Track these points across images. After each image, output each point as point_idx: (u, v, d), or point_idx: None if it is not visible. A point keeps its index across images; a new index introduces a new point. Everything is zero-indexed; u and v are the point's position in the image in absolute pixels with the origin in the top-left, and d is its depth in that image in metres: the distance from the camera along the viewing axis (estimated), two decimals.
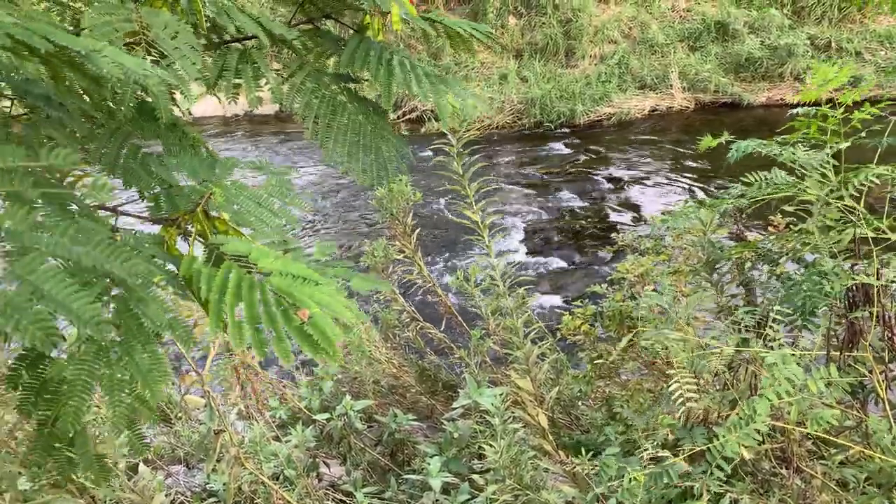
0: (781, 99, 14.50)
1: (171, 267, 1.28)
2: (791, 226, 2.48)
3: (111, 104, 1.49)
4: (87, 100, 1.45)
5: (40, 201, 1.13)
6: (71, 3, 1.82)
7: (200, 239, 1.34)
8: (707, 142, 2.51)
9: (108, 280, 1.13)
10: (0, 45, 0.99)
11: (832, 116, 2.21)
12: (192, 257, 1.26)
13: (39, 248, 1.00)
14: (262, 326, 1.14)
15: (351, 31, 2.01)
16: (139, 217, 1.41)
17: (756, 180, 2.31)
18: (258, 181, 1.63)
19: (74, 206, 1.25)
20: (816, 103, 2.28)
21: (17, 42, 1.04)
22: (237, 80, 1.66)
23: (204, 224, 1.34)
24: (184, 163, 1.51)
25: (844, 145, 2.19)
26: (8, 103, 1.55)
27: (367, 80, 1.94)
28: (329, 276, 1.33)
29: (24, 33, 1.04)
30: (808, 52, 14.80)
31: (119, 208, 1.40)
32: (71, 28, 1.55)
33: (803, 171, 2.22)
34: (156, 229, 1.38)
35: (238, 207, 1.43)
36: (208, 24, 1.68)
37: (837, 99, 2.22)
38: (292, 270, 1.15)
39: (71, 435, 1.28)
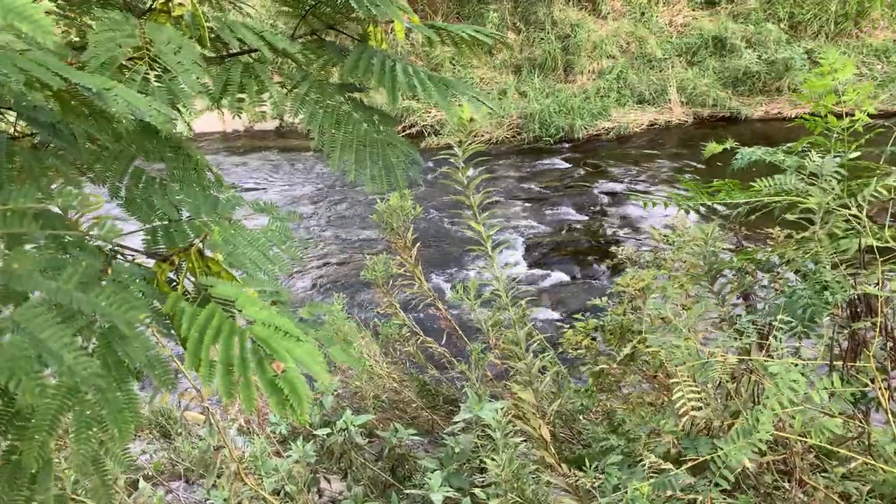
0: (779, 112, 14.58)
1: (157, 304, 1.26)
2: (791, 236, 2.48)
3: (115, 125, 1.50)
4: (93, 121, 1.46)
5: (44, 241, 1.14)
6: (78, 18, 1.84)
7: (191, 278, 1.34)
8: (712, 148, 2.52)
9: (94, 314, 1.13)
10: (13, 80, 1.00)
11: (836, 121, 2.22)
12: (178, 295, 1.25)
13: (42, 295, 1.01)
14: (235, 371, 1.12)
15: (354, 42, 2.03)
16: (134, 251, 1.41)
17: (764, 185, 2.29)
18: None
19: (69, 238, 1.25)
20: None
21: (31, 77, 1.05)
22: (241, 95, 1.67)
23: (196, 263, 1.34)
24: (187, 197, 1.51)
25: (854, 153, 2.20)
26: (12, 122, 1.56)
27: (372, 89, 1.95)
28: (311, 339, 1.33)
29: (37, 69, 1.06)
30: (805, 66, 14.89)
31: (114, 240, 1.40)
32: (78, 40, 1.56)
33: (813, 179, 2.22)
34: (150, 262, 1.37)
35: (234, 248, 1.43)
36: (212, 36, 1.69)
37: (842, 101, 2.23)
38: (276, 323, 1.14)
39: (34, 471, 1.25)
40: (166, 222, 1.46)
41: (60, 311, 1.03)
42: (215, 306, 1.18)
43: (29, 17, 0.91)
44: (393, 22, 1.93)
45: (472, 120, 2.00)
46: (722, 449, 1.78)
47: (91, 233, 1.26)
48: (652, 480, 1.85)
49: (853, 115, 2.24)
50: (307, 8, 1.91)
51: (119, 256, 1.31)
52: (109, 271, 1.21)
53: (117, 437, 1.14)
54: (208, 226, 1.44)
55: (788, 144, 2.38)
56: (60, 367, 0.96)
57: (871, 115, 2.26)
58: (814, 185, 2.20)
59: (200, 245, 1.34)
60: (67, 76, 1.07)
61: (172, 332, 1.25)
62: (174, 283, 1.32)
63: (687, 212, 2.55)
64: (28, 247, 1.11)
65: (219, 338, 1.12)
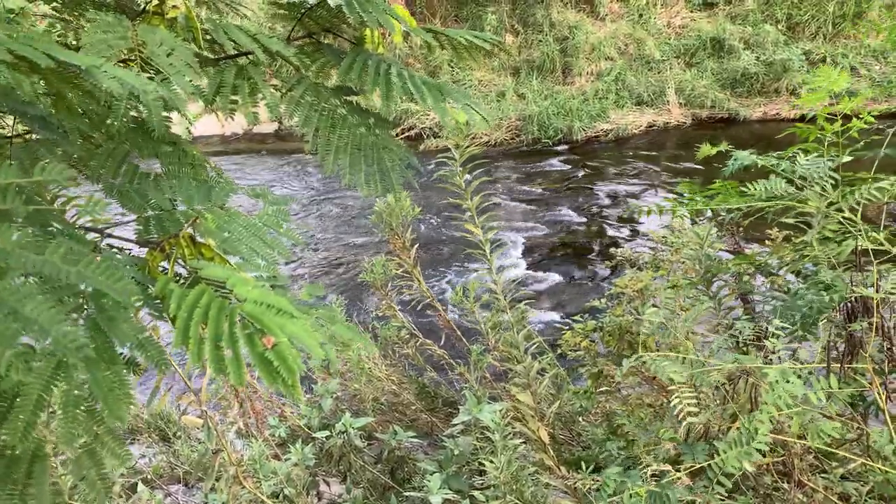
0: (777, 113, 14.60)
1: (149, 289, 1.25)
2: (789, 238, 2.48)
3: (109, 121, 1.49)
4: (86, 120, 1.45)
5: (27, 220, 1.12)
6: (75, 20, 1.84)
7: (182, 263, 1.33)
8: (705, 150, 2.52)
9: (82, 298, 1.12)
10: (0, 60, 0.99)
11: (830, 126, 2.21)
12: (168, 278, 1.24)
13: (25, 268, 0.98)
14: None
15: (350, 45, 2.02)
16: (125, 240, 1.40)
17: (756, 191, 2.30)
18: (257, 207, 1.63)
19: (58, 226, 1.24)
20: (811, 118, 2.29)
21: (18, 58, 1.04)
22: (234, 97, 1.66)
23: (188, 250, 1.33)
24: (180, 187, 1.50)
25: (846, 158, 2.20)
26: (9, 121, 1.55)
27: (368, 93, 1.95)
28: (312, 318, 1.31)
29: (25, 49, 1.05)
30: (803, 67, 14.92)
31: (106, 230, 1.39)
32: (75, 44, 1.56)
33: (803, 182, 2.22)
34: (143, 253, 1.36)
35: (229, 235, 1.41)
36: (208, 39, 1.69)
37: (836, 110, 2.23)
38: (269, 301, 1.12)
39: (28, 465, 1.23)
40: (159, 212, 1.45)
41: (48, 285, 1.01)
42: (205, 287, 1.17)
43: None
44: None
45: (467, 123, 2.00)
46: (719, 454, 1.77)
47: (79, 220, 1.25)
48: (651, 487, 1.84)
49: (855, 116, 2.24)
50: (302, 11, 1.91)
51: (110, 246, 1.30)
52: (98, 259, 1.20)
53: (108, 417, 1.12)
54: (201, 213, 1.42)
55: (780, 153, 2.39)
56: (46, 338, 0.93)
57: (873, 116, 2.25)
58: (802, 189, 2.20)
59: (191, 231, 1.33)
60: (55, 55, 1.06)
61: (165, 315, 1.24)
62: (166, 271, 1.32)
63: (682, 218, 2.55)
64: (14, 236, 1.09)
65: (208, 315, 1.11)
